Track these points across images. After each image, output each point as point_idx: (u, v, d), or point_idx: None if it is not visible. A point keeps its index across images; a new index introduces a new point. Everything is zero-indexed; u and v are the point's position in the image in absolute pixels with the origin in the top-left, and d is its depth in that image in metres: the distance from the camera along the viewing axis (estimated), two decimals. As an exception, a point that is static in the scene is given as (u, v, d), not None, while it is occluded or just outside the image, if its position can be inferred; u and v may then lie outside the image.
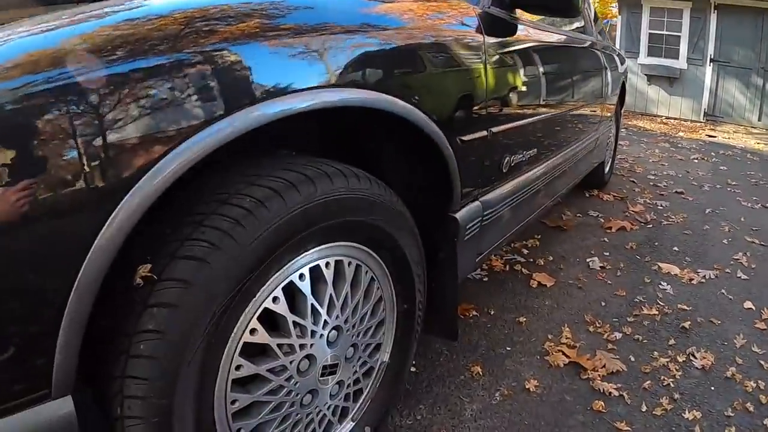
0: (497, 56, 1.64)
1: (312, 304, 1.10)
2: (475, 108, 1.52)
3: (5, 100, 0.68)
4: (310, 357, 1.13)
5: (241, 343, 0.99)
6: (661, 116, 10.05)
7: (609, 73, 3.42)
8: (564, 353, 1.99)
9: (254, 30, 0.94)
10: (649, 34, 9.95)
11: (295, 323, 1.07)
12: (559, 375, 1.89)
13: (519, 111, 1.85)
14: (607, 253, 3.01)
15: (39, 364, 0.74)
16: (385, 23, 1.24)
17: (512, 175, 1.90)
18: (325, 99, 1.04)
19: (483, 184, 1.67)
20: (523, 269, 2.68)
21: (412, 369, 1.82)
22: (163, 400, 0.86)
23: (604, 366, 1.92)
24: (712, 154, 6.68)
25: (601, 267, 2.81)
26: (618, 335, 2.15)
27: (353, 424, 1.36)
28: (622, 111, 4.88)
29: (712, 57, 9.50)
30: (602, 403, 1.72)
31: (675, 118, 9.91)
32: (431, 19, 1.42)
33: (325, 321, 1.13)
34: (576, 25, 2.98)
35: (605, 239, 3.23)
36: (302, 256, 1.07)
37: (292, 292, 1.08)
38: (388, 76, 1.20)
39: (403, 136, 1.35)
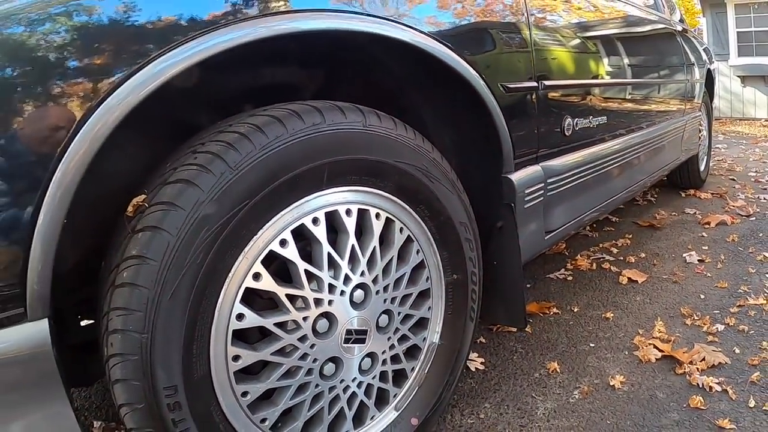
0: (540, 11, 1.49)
1: (329, 254, 0.95)
2: (519, 55, 1.36)
3: None
4: (329, 316, 0.97)
5: (243, 288, 0.86)
6: (760, 119, 9.29)
7: (689, 53, 3.13)
8: (656, 347, 1.72)
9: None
10: (737, 33, 9.31)
11: (308, 274, 0.93)
12: (651, 370, 1.62)
13: (574, 68, 1.66)
14: (706, 248, 2.69)
15: (10, 282, 0.70)
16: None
17: (579, 143, 1.70)
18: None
19: (542, 146, 1.48)
20: (612, 267, 2.45)
21: (481, 366, 1.63)
22: (143, 335, 0.76)
23: (703, 359, 1.64)
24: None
25: (699, 261, 2.50)
26: (720, 327, 1.86)
27: (396, 413, 1.18)
28: (713, 105, 4.49)
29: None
30: (701, 398, 1.45)
31: (776, 120, 9.12)
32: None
33: (347, 276, 0.98)
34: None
35: (703, 234, 2.91)
36: (315, 196, 0.93)
37: (307, 241, 0.95)
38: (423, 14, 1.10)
39: (443, 87, 1.22)
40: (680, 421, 1.39)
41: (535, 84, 1.40)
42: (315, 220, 0.93)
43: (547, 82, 1.45)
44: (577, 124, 1.64)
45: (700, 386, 1.52)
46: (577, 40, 1.71)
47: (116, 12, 0.74)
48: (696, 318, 1.93)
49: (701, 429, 1.36)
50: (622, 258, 2.56)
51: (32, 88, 0.69)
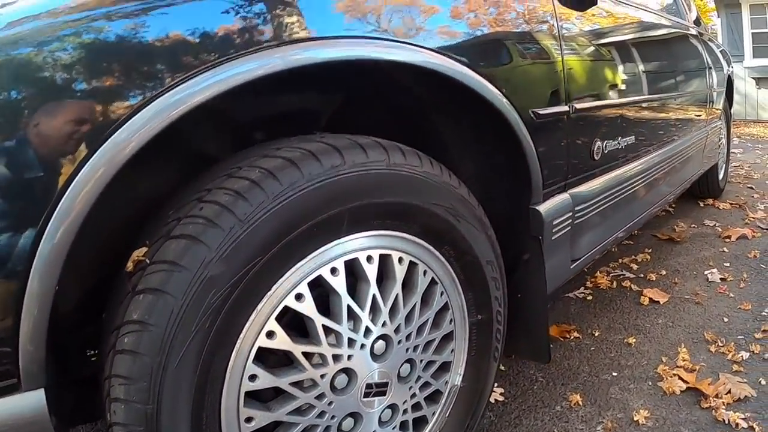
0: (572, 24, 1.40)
1: (348, 306, 0.87)
2: (552, 79, 1.28)
3: None
4: (348, 371, 0.90)
5: (255, 347, 0.79)
6: (776, 122, 9.16)
7: (710, 61, 3.03)
8: (681, 378, 1.66)
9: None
10: (752, 34, 9.16)
11: (326, 328, 0.85)
12: (675, 404, 1.56)
13: (604, 88, 1.58)
14: (728, 264, 2.62)
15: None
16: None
17: (607, 166, 1.62)
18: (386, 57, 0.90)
19: (571, 173, 1.40)
20: (632, 285, 2.38)
21: (500, 398, 1.57)
22: (147, 406, 0.70)
23: (728, 392, 1.59)
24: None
25: (721, 279, 2.43)
26: (744, 354, 1.80)
27: (416, 461, 1.11)
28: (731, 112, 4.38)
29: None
30: (727, 436, 1.39)
31: (791, 123, 8.97)
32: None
33: (368, 328, 0.90)
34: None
35: (724, 249, 2.83)
36: (333, 245, 0.85)
37: (325, 293, 0.87)
38: (449, 38, 1.02)
39: (469, 114, 1.16)
40: (706, 461, 1.33)
41: (566, 108, 1.32)
42: (333, 270, 0.86)
43: (578, 105, 1.36)
44: (606, 146, 1.56)
45: (726, 422, 1.47)
46: (606, 57, 1.62)
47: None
48: (720, 344, 1.87)
49: (727, 469, 1.30)
50: (642, 275, 2.48)
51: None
